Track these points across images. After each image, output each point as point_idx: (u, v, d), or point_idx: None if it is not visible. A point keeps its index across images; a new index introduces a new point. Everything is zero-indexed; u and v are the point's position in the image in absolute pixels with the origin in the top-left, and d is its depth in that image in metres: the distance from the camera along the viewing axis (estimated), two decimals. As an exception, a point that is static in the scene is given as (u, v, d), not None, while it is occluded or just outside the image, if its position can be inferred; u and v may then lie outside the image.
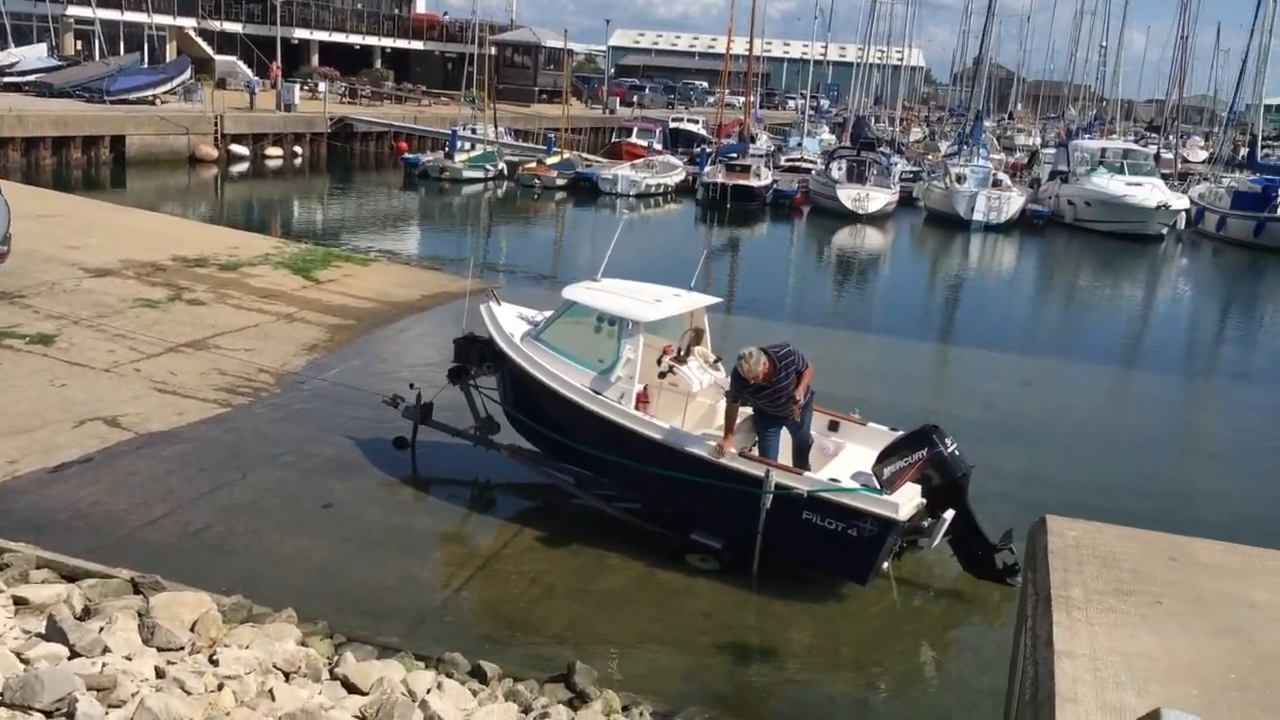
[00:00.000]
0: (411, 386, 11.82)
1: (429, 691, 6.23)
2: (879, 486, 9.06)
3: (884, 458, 9.17)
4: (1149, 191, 37.14)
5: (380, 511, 10.43)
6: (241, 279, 18.51)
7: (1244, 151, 49.95)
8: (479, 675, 7.31)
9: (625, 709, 7.20)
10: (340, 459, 11.58)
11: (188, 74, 45.91)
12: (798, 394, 9.70)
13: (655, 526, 10.13)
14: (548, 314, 11.24)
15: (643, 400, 10.57)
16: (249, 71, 54.00)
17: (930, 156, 52.80)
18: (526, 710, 6.69)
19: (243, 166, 41.35)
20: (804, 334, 17.55)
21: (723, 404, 10.90)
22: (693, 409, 11.02)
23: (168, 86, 44.16)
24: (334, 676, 6.50)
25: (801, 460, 9.97)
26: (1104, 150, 43.18)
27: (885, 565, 9.46)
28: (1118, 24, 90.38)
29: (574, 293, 10.86)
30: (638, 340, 10.16)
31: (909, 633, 9.28)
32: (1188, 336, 24.48)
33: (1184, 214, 39.14)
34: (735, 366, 9.68)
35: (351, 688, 6.36)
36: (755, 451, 9.88)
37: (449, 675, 7.08)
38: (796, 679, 8.33)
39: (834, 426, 10.69)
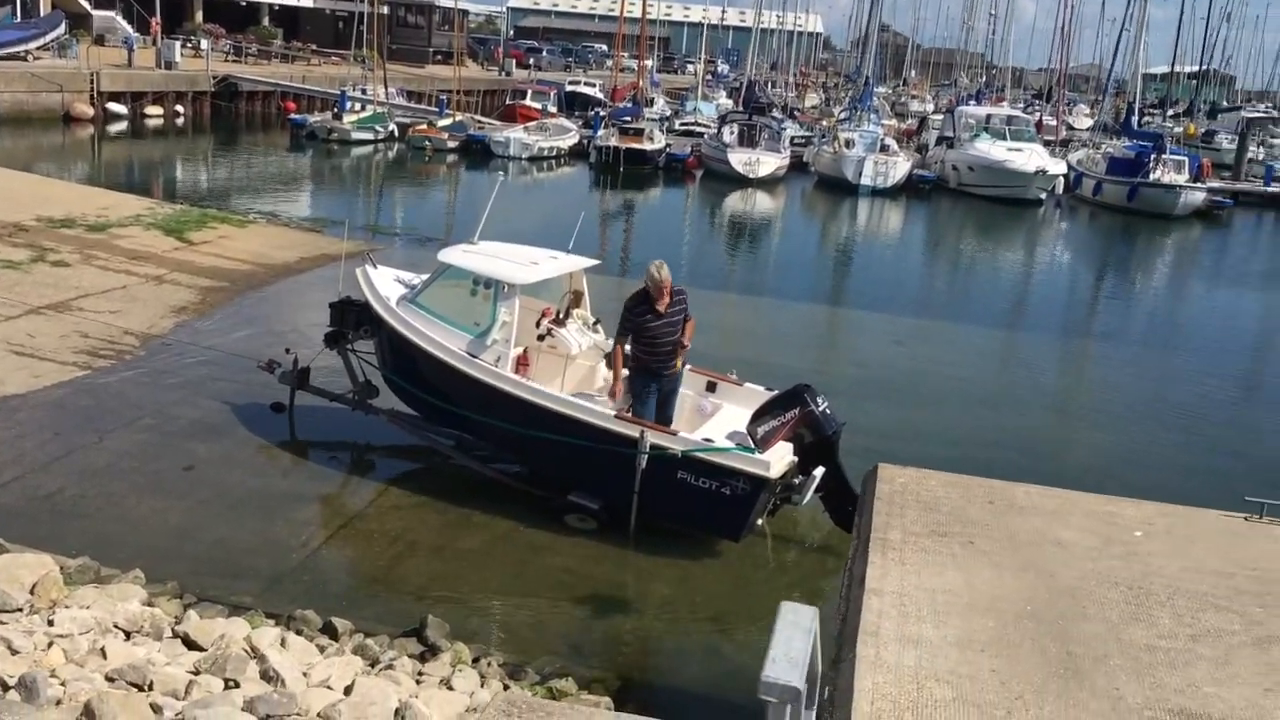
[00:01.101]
0: (288, 351, 11.67)
1: (269, 646, 6.23)
2: (753, 445, 9.25)
3: (758, 417, 9.35)
4: (1028, 157, 38.14)
5: (242, 473, 10.33)
6: (110, 240, 18.01)
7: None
8: (329, 631, 7.35)
9: (475, 660, 7.29)
10: (204, 421, 11.42)
11: (61, 29, 44.22)
12: (685, 339, 9.86)
13: (534, 488, 10.19)
14: (425, 277, 11.18)
15: (523, 363, 10.59)
16: (128, 27, 52.13)
17: (824, 122, 53.39)
18: (374, 663, 6.74)
19: (121, 126, 40.06)
20: (690, 296, 17.69)
21: (602, 366, 11.04)
22: (572, 371, 11.05)
23: (40, 42, 42.45)
24: (175, 635, 6.47)
25: (666, 418, 10.11)
26: (989, 116, 44.10)
27: (760, 522, 9.64)
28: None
29: (450, 255, 10.80)
30: (514, 303, 10.15)
31: (773, 586, 9.46)
32: (1059, 297, 25.28)
33: (1062, 179, 40.23)
34: (644, 279, 9.75)
35: (192, 644, 6.36)
36: (630, 412, 9.98)
37: (298, 632, 7.10)
38: (650, 630, 8.51)
39: (711, 387, 10.82)
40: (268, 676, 5.72)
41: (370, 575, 8.77)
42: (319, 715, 5.25)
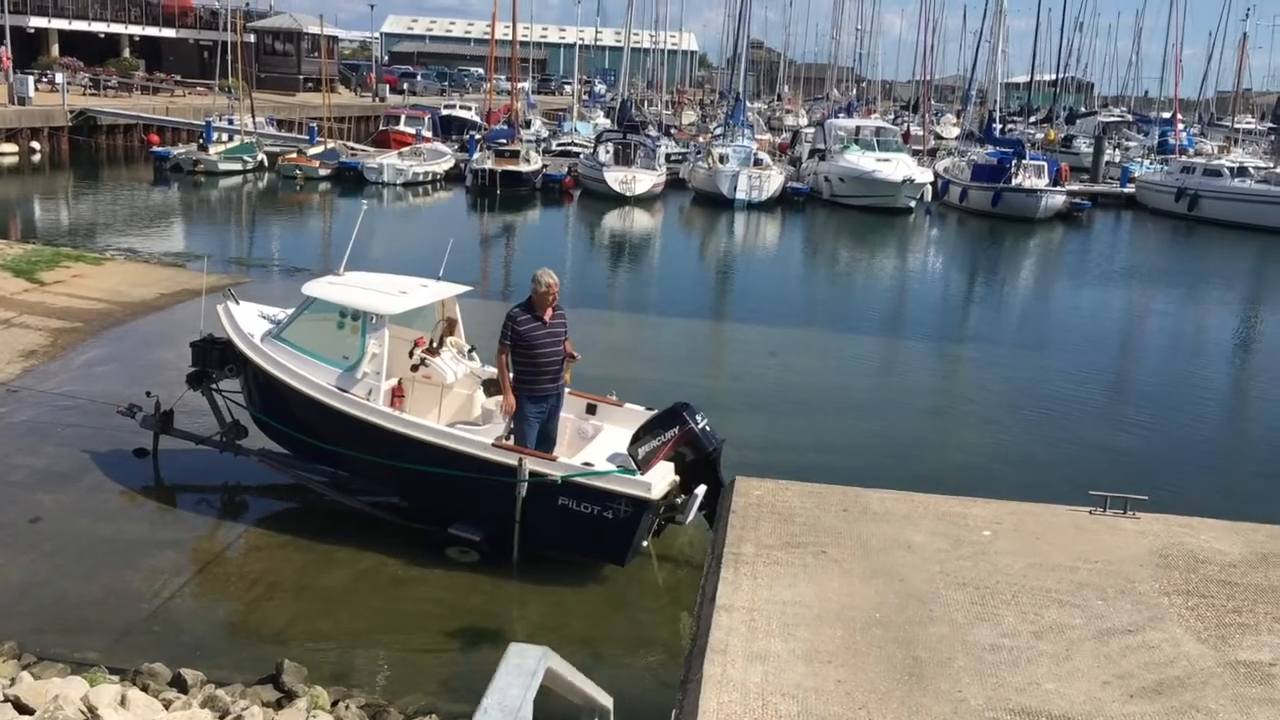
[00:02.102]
0: (149, 394, 11.25)
1: (107, 705, 5.91)
2: (635, 467, 9.15)
3: (638, 438, 9.28)
4: (895, 167, 39.05)
5: (92, 522, 9.88)
6: (-47, 285, 17.19)
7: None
8: (179, 684, 7.04)
9: (335, 704, 7.05)
10: (52, 470, 10.92)
11: (-96, 65, 42.27)
12: (571, 349, 9.76)
13: (413, 522, 9.93)
14: (290, 312, 10.85)
15: (398, 394, 10.32)
16: (-21, 62, 50.05)
17: (702, 138, 53.90)
18: (223, 715, 6.45)
19: (-28, 165, 38.41)
20: (568, 315, 17.58)
21: (479, 394, 10.82)
22: (449, 400, 10.82)
23: (-120, 80, 40.55)
24: (5, 699, 6.10)
25: (549, 439, 9.96)
26: (858, 129, 45.05)
27: (645, 543, 9.52)
28: (873, 8, 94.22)
29: (315, 288, 10.52)
30: (383, 334, 9.90)
31: (657, 606, 9.40)
32: (929, 302, 25.85)
33: (929, 187, 41.27)
34: (531, 286, 9.59)
35: (23, 708, 6.00)
36: (510, 440, 9.79)
37: (144, 688, 6.78)
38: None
39: (592, 409, 10.70)
40: (98, 739, 5.43)
41: (226, 621, 8.44)
42: (149, 777, 4.99)
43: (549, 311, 9.66)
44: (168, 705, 6.48)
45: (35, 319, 15.98)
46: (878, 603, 5.30)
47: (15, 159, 40.68)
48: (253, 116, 44.44)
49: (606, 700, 2.26)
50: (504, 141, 41.68)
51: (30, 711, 5.96)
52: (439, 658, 8.19)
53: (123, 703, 6.15)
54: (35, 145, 42.17)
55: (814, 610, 5.19)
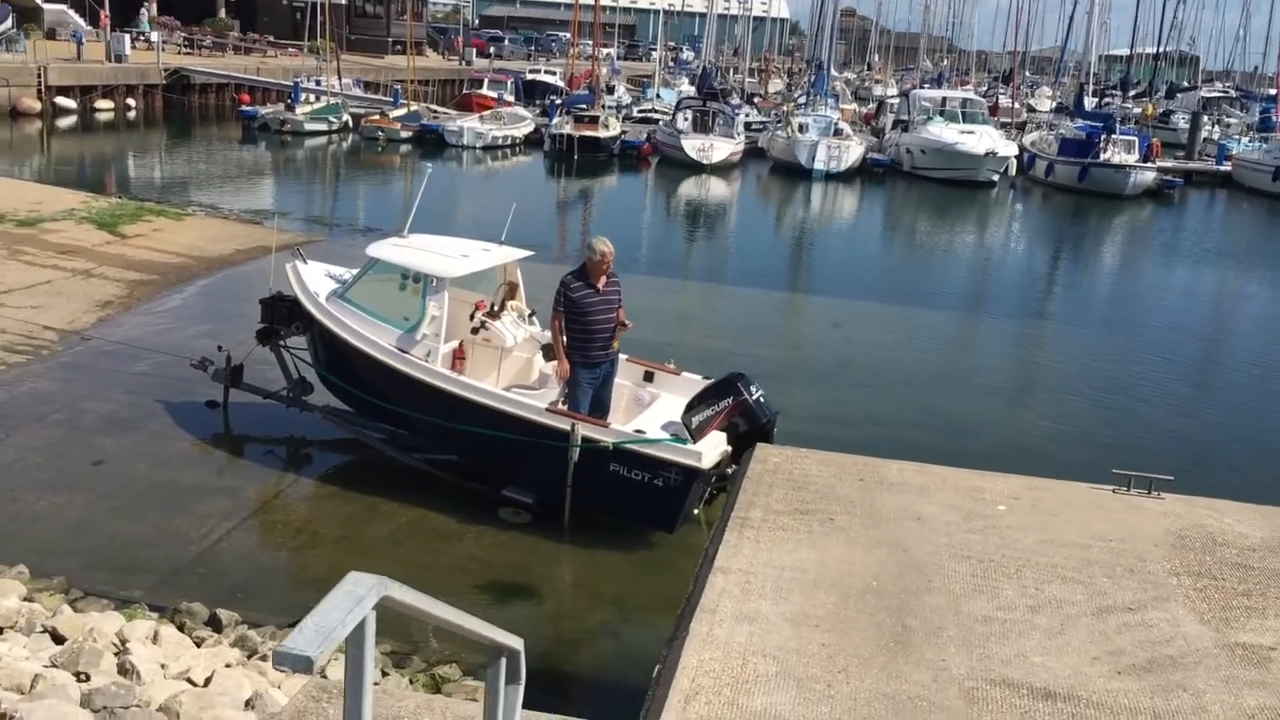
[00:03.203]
0: (220, 349, 11.55)
1: (138, 640, 6.18)
2: (688, 436, 9.23)
3: (692, 407, 9.32)
4: (979, 139, 38.29)
5: (150, 467, 10.23)
6: (39, 235, 17.82)
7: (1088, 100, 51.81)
8: (214, 623, 7.31)
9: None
10: (117, 416, 11.32)
11: (8, 23, 43.66)
12: (623, 317, 9.80)
13: (468, 482, 10.10)
14: (355, 272, 11.08)
15: (459, 357, 10.50)
16: (80, 21, 51.49)
17: (786, 106, 53.42)
18: (251, 654, 6.70)
19: (70, 120, 39.62)
20: (632, 282, 17.65)
21: (539, 358, 10.92)
22: (508, 364, 10.93)
23: (-14, 36, 41.99)
24: (44, 629, 6.41)
25: (603, 405, 10.04)
26: (944, 100, 44.25)
27: (695, 511, 9.57)
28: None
29: (378, 250, 10.71)
30: (443, 296, 10.03)
31: (694, 572, 9.45)
32: (1004, 278, 25.43)
33: (1014, 161, 40.41)
34: (585, 255, 9.66)
35: (59, 639, 6.29)
36: (564, 405, 9.88)
37: (180, 626, 7.06)
38: (551, 616, 8.52)
39: (649, 377, 10.74)
40: (123, 669, 5.68)
41: (269, 567, 8.73)
42: (161, 707, 5.21)
43: (603, 279, 9.71)
44: (200, 643, 6.74)
45: (114, 270, 16.52)
46: (877, 571, 5.31)
47: (111, 115, 41.87)
48: (339, 78, 45.11)
49: (515, 642, 2.34)
50: (584, 107, 41.79)
51: (64, 641, 6.25)
52: (469, 611, 8.33)
53: (155, 638, 6.42)
54: (130, 102, 43.33)
55: (810, 576, 5.22)
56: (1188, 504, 6.37)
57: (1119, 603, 5.11)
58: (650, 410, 10.20)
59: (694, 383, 10.22)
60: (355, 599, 2.02)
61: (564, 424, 9.32)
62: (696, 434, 9.21)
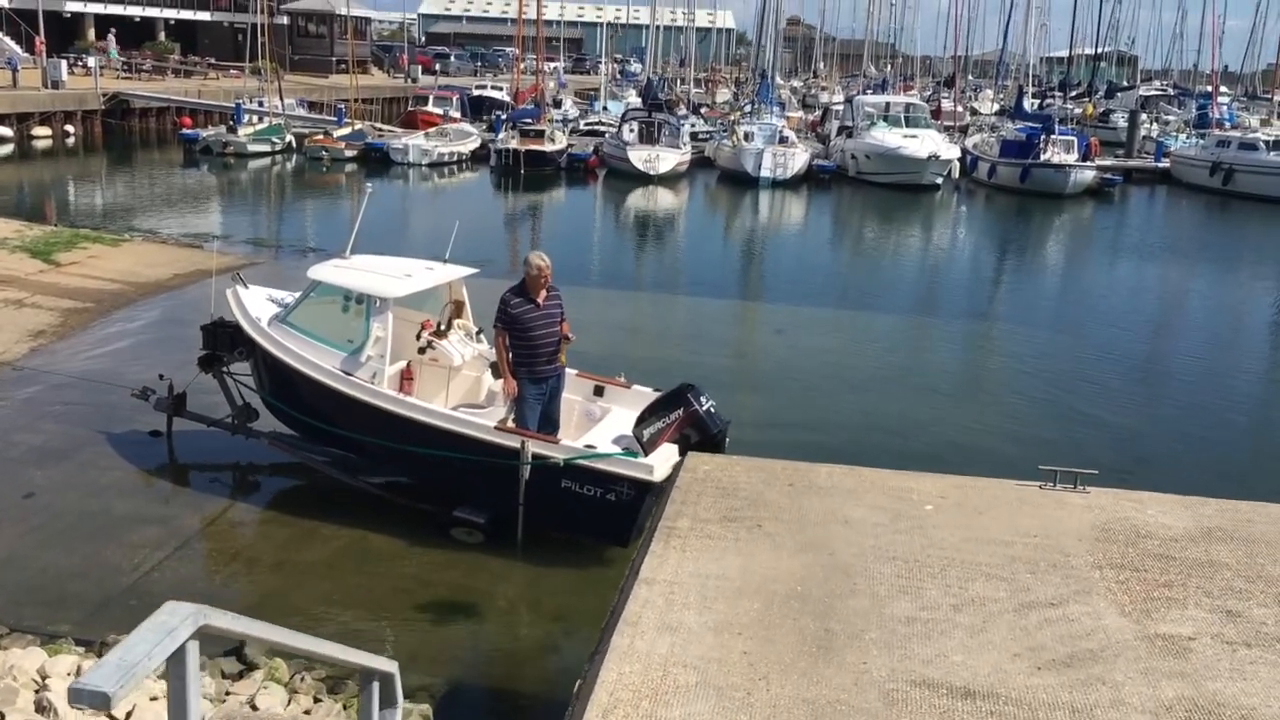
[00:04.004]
0: (161, 377, 11.36)
1: (58, 675, 6.04)
2: (640, 449, 9.18)
3: (643, 420, 9.28)
4: (921, 143, 38.66)
5: (80, 497, 10.05)
6: (-30, 266, 17.50)
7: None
8: (143, 655, 7.15)
9: (293, 676, 7.15)
10: (48, 447, 11.12)
11: (-60, 51, 42.95)
12: (566, 330, 9.71)
13: (420, 503, 10.00)
14: (296, 295, 10.95)
15: (407, 377, 10.41)
16: (17, 48, 50.75)
17: (732, 116, 53.62)
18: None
19: (6, 149, 38.98)
20: (580, 295, 17.59)
21: (488, 376, 10.81)
22: (457, 383, 10.87)
23: (-83, 66, 41.24)
24: (-37, 668, 6.25)
25: (552, 420, 9.97)
26: (888, 105, 44.61)
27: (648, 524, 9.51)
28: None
29: (320, 272, 10.59)
30: (386, 317, 9.93)
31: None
32: (947, 280, 25.64)
33: (957, 163, 40.84)
34: (523, 271, 9.59)
35: (-23, 678, 6.13)
36: (511, 423, 9.80)
37: (107, 657, 6.90)
38: (490, 634, 8.44)
39: (599, 391, 10.69)
40: (40, 707, 5.55)
41: (203, 594, 8.51)
42: (74, 743, 5.10)
43: (542, 294, 9.67)
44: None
45: (48, 299, 16.24)
46: (802, 576, 5.29)
47: (49, 142, 41.27)
48: (281, 98, 44.74)
49: (388, 666, 2.27)
50: (529, 121, 41.70)
51: (-16, 680, 6.09)
52: (409, 631, 8.27)
53: (78, 673, 6.26)
54: (69, 129, 42.73)
55: (735, 584, 5.19)
56: (1113, 497, 6.42)
57: (1041, 598, 5.12)
58: (601, 424, 10.14)
59: (645, 395, 10.16)
60: (166, 630, 1.96)
61: (514, 442, 9.25)
62: (648, 447, 9.16)
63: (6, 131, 39.54)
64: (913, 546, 5.66)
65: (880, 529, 5.86)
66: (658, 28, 66.02)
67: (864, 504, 6.21)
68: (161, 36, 66.54)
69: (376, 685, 2.33)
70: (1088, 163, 40.13)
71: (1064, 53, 79.48)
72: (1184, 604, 5.12)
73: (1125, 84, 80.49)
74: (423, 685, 7.39)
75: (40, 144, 40.79)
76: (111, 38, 55.19)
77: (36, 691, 5.79)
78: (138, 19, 65.33)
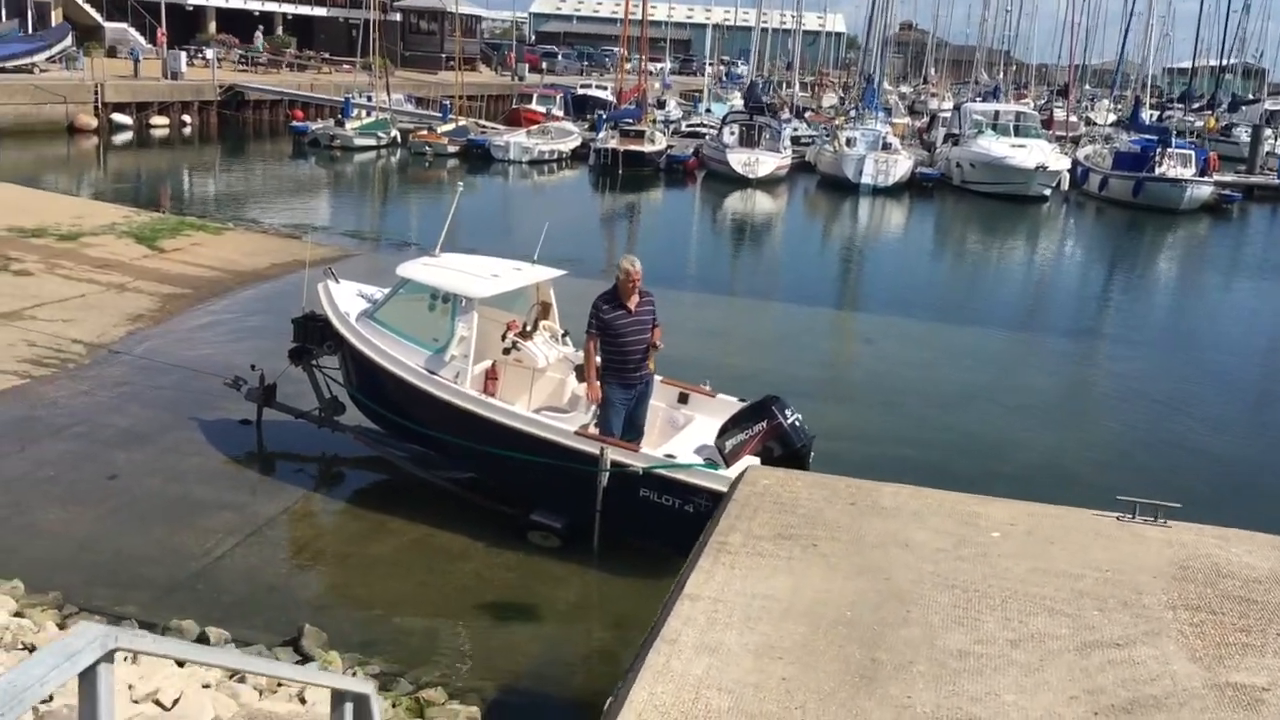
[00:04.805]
0: (254, 367, 11.49)
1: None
2: (721, 460, 9.05)
3: (725, 430, 9.15)
4: (1029, 153, 37.67)
5: (162, 482, 10.23)
6: (79, 249, 18.07)
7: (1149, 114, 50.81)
8: (203, 641, 7.24)
9: (349, 671, 7.16)
10: (135, 431, 11.36)
11: (68, 40, 44.64)
12: (657, 339, 9.63)
13: (500, 505, 9.98)
14: (385, 291, 11.04)
15: (491, 378, 10.42)
16: (140, 39, 52.56)
17: (837, 120, 53.00)
18: (231, 675, 6.61)
19: (126, 136, 40.34)
20: (672, 298, 17.43)
21: (572, 379, 10.77)
22: (541, 385, 10.81)
23: (47, 54, 42.88)
24: (24, 646, 6.37)
25: (638, 426, 9.87)
26: (997, 113, 43.63)
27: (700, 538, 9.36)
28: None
29: (408, 270, 10.63)
30: (471, 317, 9.92)
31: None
32: (1048, 295, 24.92)
33: (1066, 175, 39.70)
34: (615, 276, 9.56)
35: (38, 656, 6.24)
36: (594, 428, 9.73)
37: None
38: (547, 634, 8.37)
39: (684, 399, 10.57)
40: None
41: (268, 584, 8.65)
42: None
43: (634, 299, 9.57)
44: (183, 663, 6.66)
45: (148, 284, 16.69)
46: (853, 600, 5.09)
47: (166, 131, 42.59)
48: (388, 93, 45.52)
49: (362, 687, 2.17)
50: (630, 121, 41.74)
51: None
52: (465, 631, 8.23)
53: (134, 658, 6.34)
54: (186, 119, 44.05)
55: (783, 605, 5.01)
56: (1195, 532, 6.07)
57: (1106, 638, 4.84)
58: (684, 433, 10.01)
59: (729, 405, 9.98)
60: (67, 654, 1.87)
61: (593, 448, 9.15)
62: (730, 458, 8.99)
63: (127, 120, 40.90)
64: (974, 575, 5.41)
65: (942, 555, 5.62)
66: (764, 30, 65.68)
67: (928, 527, 5.97)
68: (279, 30, 68.27)
69: (350, 706, 2.24)
70: (1205, 178, 38.65)
71: (1187, 64, 76.88)
72: (1262, 651, 4.79)
73: (1251, 97, 77.54)
74: (473, 686, 7.34)
75: (158, 133, 42.12)
76: (259, 33, 57.02)
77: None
78: (256, 13, 67.09)
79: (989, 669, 4.54)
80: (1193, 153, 39.48)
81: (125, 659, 6.35)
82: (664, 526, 9.11)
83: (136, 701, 5.66)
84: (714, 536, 5.73)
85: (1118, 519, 6.21)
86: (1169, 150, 38.41)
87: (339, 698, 2.28)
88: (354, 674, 7.05)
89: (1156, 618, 5.06)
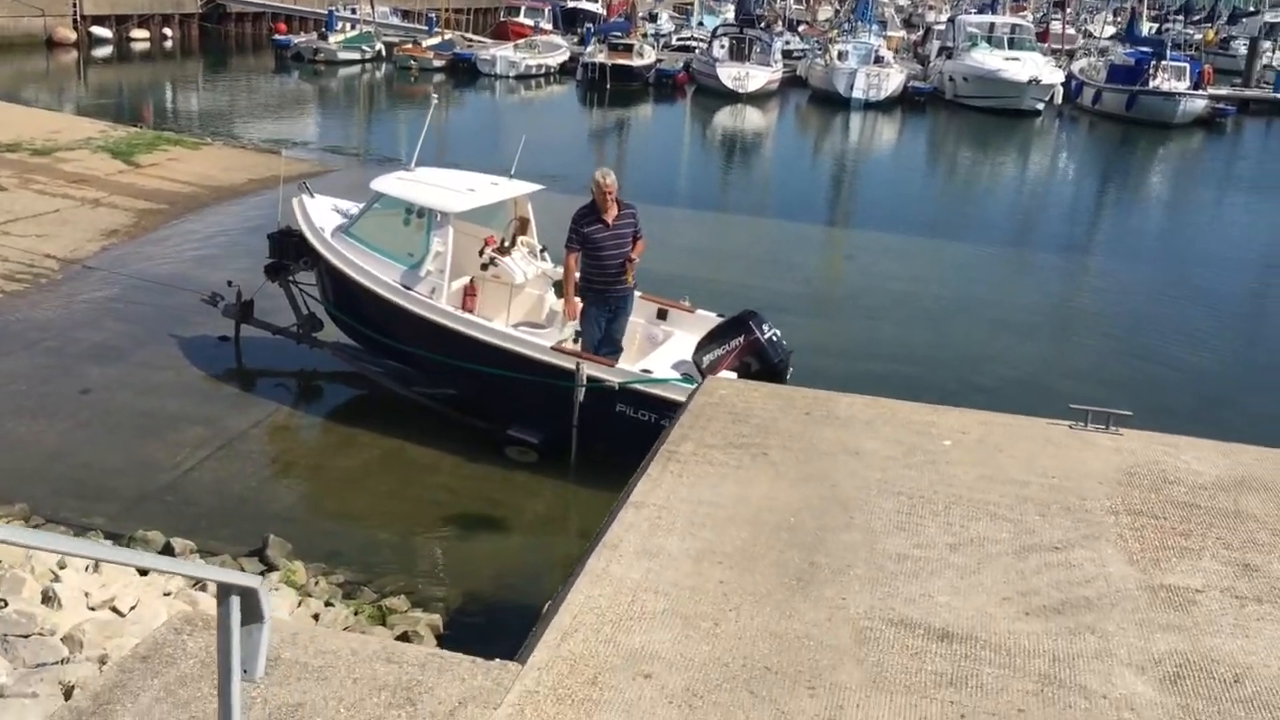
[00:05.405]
0: (230, 284, 11.43)
1: (74, 568, 6.17)
2: (698, 375, 9.04)
3: (703, 345, 9.16)
4: (1023, 66, 37.19)
5: (132, 396, 10.25)
6: (54, 164, 17.88)
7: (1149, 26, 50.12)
8: (168, 552, 7.30)
9: (315, 580, 7.24)
10: (108, 345, 11.35)
11: (45, -48, 43.63)
12: (634, 253, 9.57)
13: (474, 420, 10.01)
14: (360, 206, 10.93)
15: (470, 293, 10.34)
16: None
17: (830, 34, 52.19)
18: (194, 584, 6.67)
19: (105, 50, 39.71)
20: (658, 214, 17.30)
21: (550, 294, 10.74)
22: (519, 300, 10.76)
23: (23, -34, 41.96)
24: (-13, 556, 6.42)
25: (615, 340, 9.86)
26: (992, 25, 42.98)
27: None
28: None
29: (382, 184, 10.51)
30: (447, 232, 9.83)
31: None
32: (1035, 210, 24.76)
33: (1060, 88, 39.24)
34: (590, 189, 9.47)
35: (-1, 566, 6.30)
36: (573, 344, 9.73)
37: (132, 552, 7.05)
38: (513, 545, 8.45)
39: (663, 314, 10.55)
40: (46, 597, 5.68)
41: (237, 496, 8.70)
42: (65, 636, 5.19)
43: (612, 212, 9.49)
44: (145, 572, 6.72)
45: (124, 199, 16.53)
46: (798, 507, 5.12)
47: (147, 45, 41.95)
48: (373, 5, 44.74)
49: (251, 581, 2.19)
50: (619, 35, 41.11)
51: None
52: (434, 543, 8.31)
53: (96, 566, 6.40)
54: (166, 32, 43.34)
55: (727, 512, 5.05)
56: (1145, 440, 6.10)
57: (1045, 541, 4.89)
58: (662, 348, 10.00)
59: (708, 320, 9.98)
60: None
61: (569, 363, 9.16)
62: (707, 373, 8.96)
63: (106, 34, 40.24)
64: (921, 482, 5.44)
65: (891, 463, 5.65)
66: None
67: (879, 436, 5.99)
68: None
69: (236, 600, 2.25)
70: (1199, 91, 38.21)
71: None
72: (1199, 555, 4.84)
73: (1251, 9, 76.44)
74: (437, 596, 7.43)
75: (138, 47, 41.47)
76: None
77: (52, 582, 5.92)
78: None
79: (925, 572, 4.59)
80: (1187, 66, 38.97)
81: (86, 568, 6.42)
82: (641, 441, 9.10)
83: (93, 609, 5.73)
84: (665, 445, 5.75)
85: (1069, 427, 6.23)
86: (1163, 63, 37.93)
87: (225, 591, 2.29)
88: (261, 575, 7.09)
89: (1097, 522, 5.11)
